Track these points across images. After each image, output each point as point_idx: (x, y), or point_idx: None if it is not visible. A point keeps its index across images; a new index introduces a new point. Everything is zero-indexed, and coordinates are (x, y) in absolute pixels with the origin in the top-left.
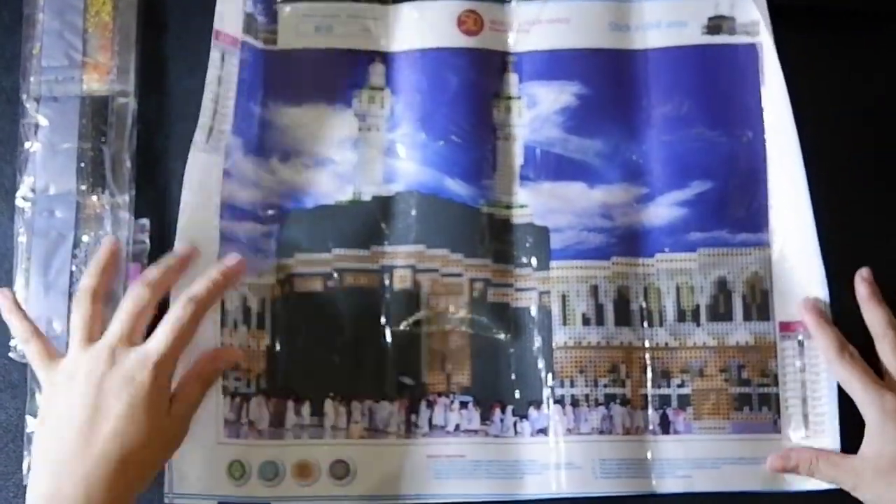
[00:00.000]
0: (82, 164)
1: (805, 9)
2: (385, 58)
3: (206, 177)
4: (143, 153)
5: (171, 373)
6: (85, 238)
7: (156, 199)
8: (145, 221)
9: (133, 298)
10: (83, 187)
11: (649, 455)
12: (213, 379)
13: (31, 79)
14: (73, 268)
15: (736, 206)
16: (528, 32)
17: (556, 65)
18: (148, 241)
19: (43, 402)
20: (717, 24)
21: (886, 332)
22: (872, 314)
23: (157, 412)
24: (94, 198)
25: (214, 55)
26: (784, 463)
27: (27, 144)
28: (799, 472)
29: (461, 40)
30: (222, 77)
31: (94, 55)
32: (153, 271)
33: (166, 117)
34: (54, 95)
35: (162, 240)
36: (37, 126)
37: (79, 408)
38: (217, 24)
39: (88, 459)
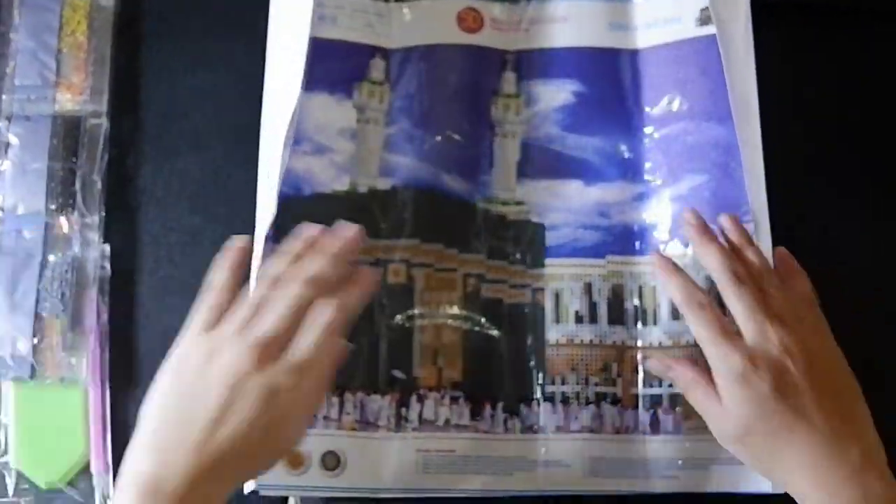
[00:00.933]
0: (52, 185)
1: (787, 4)
2: (385, 54)
3: None
4: (114, 174)
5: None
6: (53, 258)
7: (125, 220)
8: (106, 247)
9: (291, 297)
10: (52, 207)
11: (639, 455)
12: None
13: (4, 97)
14: (40, 288)
15: (730, 201)
16: (527, 31)
17: (554, 63)
18: (109, 266)
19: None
20: (707, 15)
21: (722, 273)
22: (705, 254)
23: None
24: (64, 218)
25: None
26: (664, 371)
27: None
28: (675, 385)
29: (461, 37)
30: None
31: (67, 75)
32: (310, 265)
33: (139, 138)
34: (26, 114)
35: (131, 261)
36: (7, 145)
37: (209, 400)
38: None
39: (205, 454)
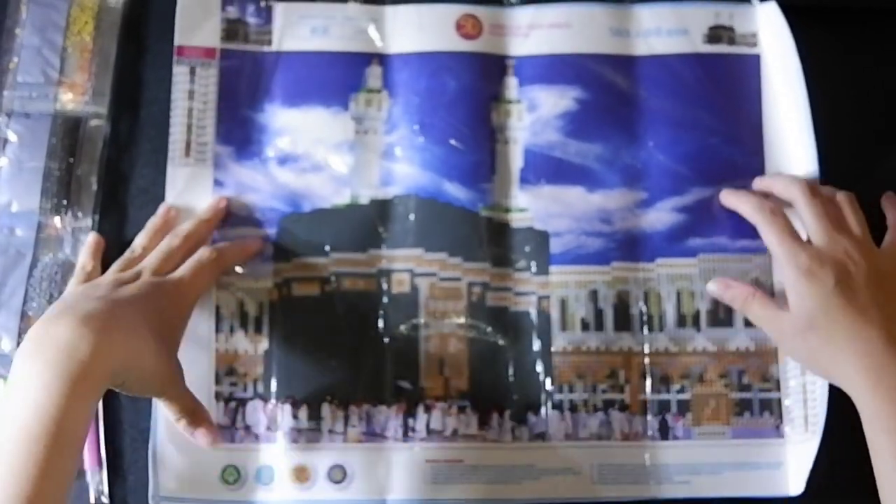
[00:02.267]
0: (48, 184)
1: (820, 8)
2: (382, 60)
3: (192, 188)
4: (110, 176)
5: (187, 304)
6: (43, 258)
7: (119, 223)
8: None
9: (162, 246)
10: (47, 207)
11: (648, 461)
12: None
13: (5, 93)
14: (29, 287)
15: (736, 214)
16: (527, 37)
17: (556, 69)
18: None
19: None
20: (717, 34)
21: (798, 185)
22: (789, 182)
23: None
24: (57, 219)
25: (180, 70)
26: (722, 291)
27: None
28: (733, 306)
29: (460, 44)
30: (194, 91)
31: (71, 75)
32: (186, 223)
33: (137, 142)
34: (26, 112)
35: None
36: (5, 141)
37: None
38: (179, 41)
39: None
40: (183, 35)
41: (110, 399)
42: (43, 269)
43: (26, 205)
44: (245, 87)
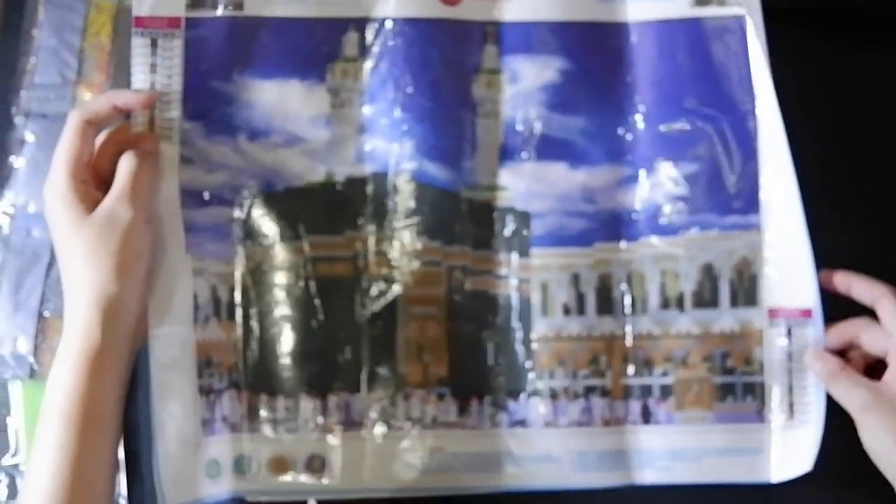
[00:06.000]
0: None
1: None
2: (360, 25)
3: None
4: None
5: (68, 191)
6: None
7: None
8: None
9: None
10: None
11: (629, 446)
12: (147, 166)
13: (23, 94)
14: (45, 288)
15: (725, 189)
16: (510, 1)
17: (539, 38)
18: None
19: None
20: None
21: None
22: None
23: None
24: None
25: (139, 43)
26: (818, 365)
27: (11, 159)
28: (820, 377)
29: (440, 10)
30: (157, 65)
31: (88, 75)
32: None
33: None
34: (44, 112)
35: None
36: (23, 142)
37: None
38: (138, 10)
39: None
40: (141, 4)
41: (126, 402)
42: (59, 272)
43: (43, 206)
44: (214, 57)
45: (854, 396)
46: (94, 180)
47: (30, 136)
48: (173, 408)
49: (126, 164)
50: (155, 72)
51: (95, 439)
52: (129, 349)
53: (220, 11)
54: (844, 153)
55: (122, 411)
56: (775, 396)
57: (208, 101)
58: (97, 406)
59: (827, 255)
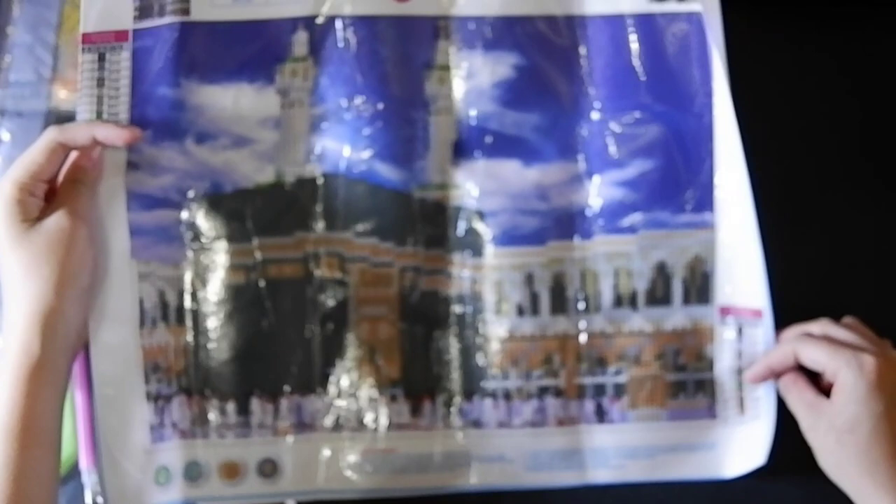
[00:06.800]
0: None
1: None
2: (309, 25)
3: (105, 173)
4: None
5: (15, 205)
6: None
7: None
8: None
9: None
10: None
11: (583, 446)
12: (91, 177)
13: None
14: None
15: (679, 187)
16: None
17: (493, 33)
18: None
19: None
20: None
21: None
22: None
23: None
24: None
25: (87, 59)
26: (765, 375)
27: None
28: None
29: (391, 7)
30: (104, 78)
31: (63, 72)
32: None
33: None
34: (19, 110)
35: None
36: None
37: None
38: (85, 27)
39: None
40: (88, 21)
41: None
42: None
43: None
44: (161, 64)
45: (799, 415)
46: (44, 193)
47: (5, 135)
48: (117, 415)
49: (70, 176)
50: (102, 85)
51: (36, 453)
52: (69, 362)
53: (167, 19)
54: (798, 150)
55: (61, 424)
56: (726, 392)
57: (155, 108)
58: (37, 420)
59: (780, 257)
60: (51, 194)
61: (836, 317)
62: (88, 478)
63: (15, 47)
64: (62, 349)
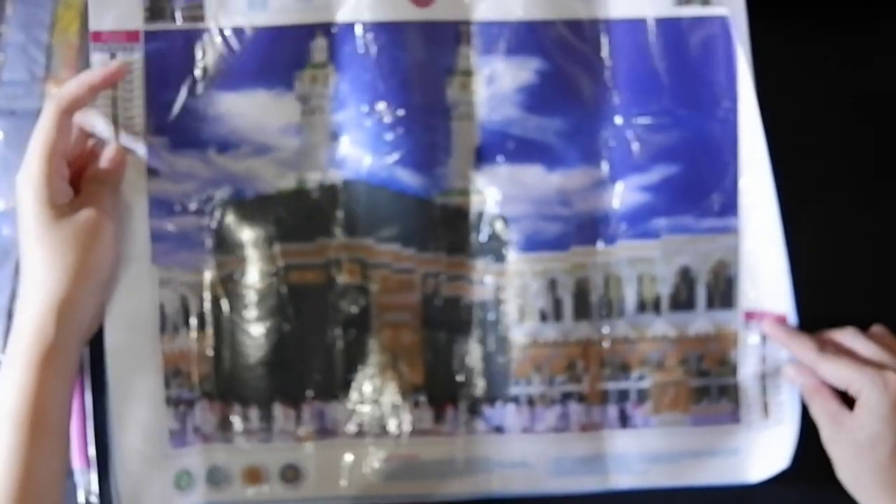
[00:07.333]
0: None
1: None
2: (327, 31)
3: (126, 179)
4: None
5: (45, 185)
6: None
7: None
8: None
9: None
10: None
11: (605, 451)
12: (114, 178)
13: None
14: (16, 286)
15: (703, 191)
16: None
17: (516, 37)
18: None
19: None
20: None
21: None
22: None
23: (45, 225)
24: None
25: (98, 59)
26: (799, 379)
27: None
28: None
29: (412, 12)
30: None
31: (56, 71)
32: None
33: None
34: (12, 109)
35: None
36: None
37: None
38: (95, 25)
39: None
40: (98, 19)
41: (95, 401)
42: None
43: (13, 203)
44: (177, 71)
45: (821, 424)
46: (69, 176)
47: None
48: (133, 421)
49: (93, 176)
50: (115, 87)
51: (45, 440)
52: (79, 349)
53: (178, 23)
54: (823, 155)
55: (70, 412)
56: (750, 397)
57: (172, 115)
58: (48, 408)
59: (804, 261)
60: (75, 181)
61: (861, 324)
62: (81, 477)
63: (8, 47)
64: (75, 338)
